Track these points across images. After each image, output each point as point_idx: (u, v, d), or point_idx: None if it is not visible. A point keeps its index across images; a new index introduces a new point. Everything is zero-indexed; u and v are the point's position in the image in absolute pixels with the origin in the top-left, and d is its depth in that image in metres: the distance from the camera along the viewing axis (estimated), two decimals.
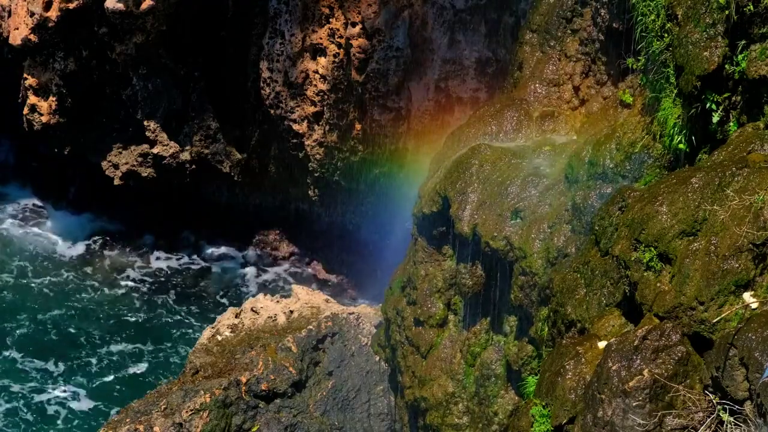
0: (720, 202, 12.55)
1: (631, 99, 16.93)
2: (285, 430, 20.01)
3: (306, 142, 26.35)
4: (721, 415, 11.43)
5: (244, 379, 19.95)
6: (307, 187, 27.66)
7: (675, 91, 14.62)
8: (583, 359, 13.28)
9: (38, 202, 30.60)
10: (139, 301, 27.85)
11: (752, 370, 11.11)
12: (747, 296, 11.97)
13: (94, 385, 25.18)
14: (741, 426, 11.19)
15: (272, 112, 26.53)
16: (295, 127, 26.28)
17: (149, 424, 19.16)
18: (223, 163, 27.74)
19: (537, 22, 19.32)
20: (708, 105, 13.89)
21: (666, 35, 14.94)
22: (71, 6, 25.63)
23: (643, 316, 12.81)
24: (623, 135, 16.15)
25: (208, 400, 19.45)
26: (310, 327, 21.00)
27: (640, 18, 15.65)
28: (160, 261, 29.14)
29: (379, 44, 24.08)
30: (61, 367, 25.56)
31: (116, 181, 27.90)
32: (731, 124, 13.88)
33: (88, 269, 28.72)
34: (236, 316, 21.93)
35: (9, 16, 26.74)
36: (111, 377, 25.44)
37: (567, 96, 18.81)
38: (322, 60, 25.32)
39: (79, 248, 29.32)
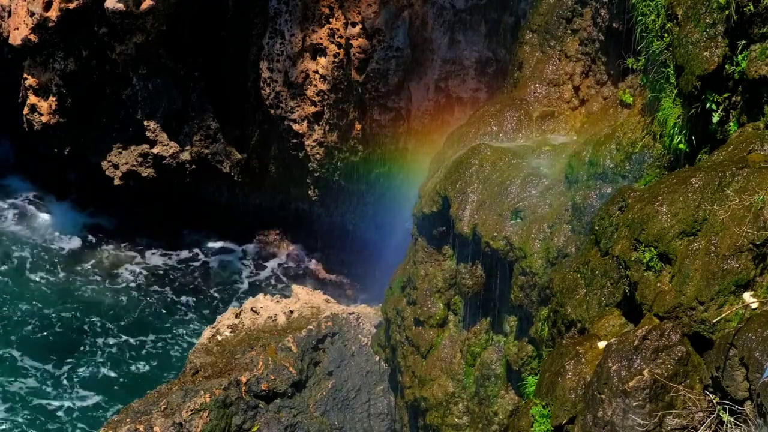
0: (720, 202, 12.55)
1: (631, 99, 16.93)
2: (285, 430, 20.01)
3: (306, 142, 26.35)
4: (721, 415, 11.43)
5: (244, 379, 19.95)
6: (307, 187, 27.67)
7: (675, 91, 14.61)
8: (583, 359, 13.28)
9: (38, 197, 30.62)
10: (138, 296, 27.87)
11: (752, 370, 11.11)
12: (747, 296, 11.97)
13: (93, 380, 25.21)
14: (741, 426, 11.19)
15: (272, 112, 26.53)
16: (295, 127, 26.28)
17: (149, 424, 19.16)
18: (223, 163, 27.74)
19: (537, 22, 19.32)
20: (708, 105, 13.89)
21: (666, 35, 14.94)
22: (71, 6, 25.63)
23: (643, 316, 12.81)
24: (623, 135, 16.15)
25: (208, 400, 19.45)
26: (310, 327, 21.00)
27: (640, 18, 15.65)
28: (159, 257, 29.15)
29: (379, 44, 24.08)
30: (61, 362, 25.58)
31: (116, 181, 27.91)
32: (731, 124, 13.88)
33: (87, 264, 28.73)
34: (236, 316, 21.94)
35: (9, 16, 26.75)
36: (111, 372, 25.46)
37: (567, 96, 18.81)
38: (322, 60, 25.32)
39: (78, 243, 29.34)
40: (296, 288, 23.03)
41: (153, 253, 29.24)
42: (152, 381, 24.91)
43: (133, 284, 28.24)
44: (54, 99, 26.98)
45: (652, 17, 15.28)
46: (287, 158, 27.49)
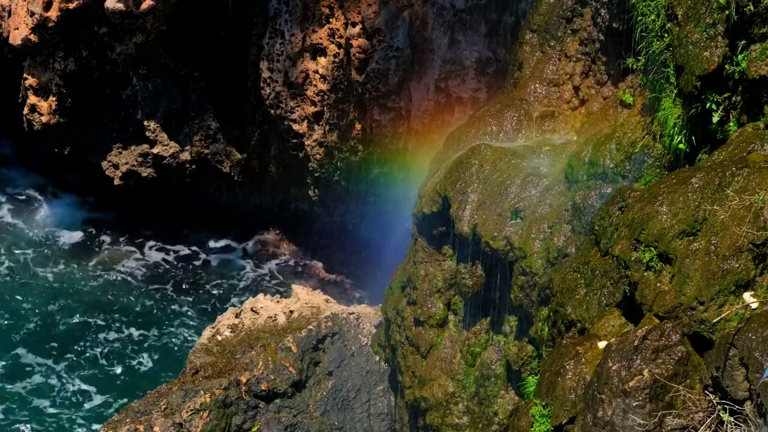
0: (720, 202, 12.55)
1: (631, 99, 16.93)
2: (285, 430, 20.01)
3: (306, 142, 26.35)
4: (721, 415, 11.43)
5: (244, 379, 19.95)
6: (307, 187, 27.67)
7: (675, 91, 14.61)
8: (583, 359, 13.28)
9: (38, 192, 30.64)
10: (138, 293, 27.88)
11: (752, 370, 11.11)
12: (747, 296, 11.97)
13: (93, 376, 25.23)
14: (741, 426, 11.19)
15: (272, 112, 26.53)
16: (295, 127, 26.29)
17: (149, 424, 19.16)
18: (223, 163, 27.74)
19: (537, 22, 19.32)
20: (708, 105, 13.89)
21: (666, 35, 14.94)
22: (71, 6, 25.63)
23: (643, 316, 12.81)
24: (623, 135, 16.15)
25: (208, 400, 19.45)
26: (310, 327, 21.00)
27: (640, 18, 15.65)
28: (159, 255, 29.15)
29: (379, 44, 24.08)
30: (60, 357, 25.61)
31: (116, 181, 27.92)
32: (731, 124, 13.88)
33: (87, 261, 28.75)
34: (236, 316, 21.94)
35: (9, 16, 26.75)
36: (111, 369, 25.48)
37: (567, 96, 18.81)
38: (322, 60, 25.32)
39: (78, 239, 29.35)
40: (296, 288, 23.03)
41: (153, 251, 29.25)
42: (152, 379, 24.97)
43: (132, 281, 28.25)
44: (54, 99, 26.98)
45: (652, 17, 15.28)
46: (287, 158, 27.49)
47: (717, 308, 12.09)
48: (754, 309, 11.79)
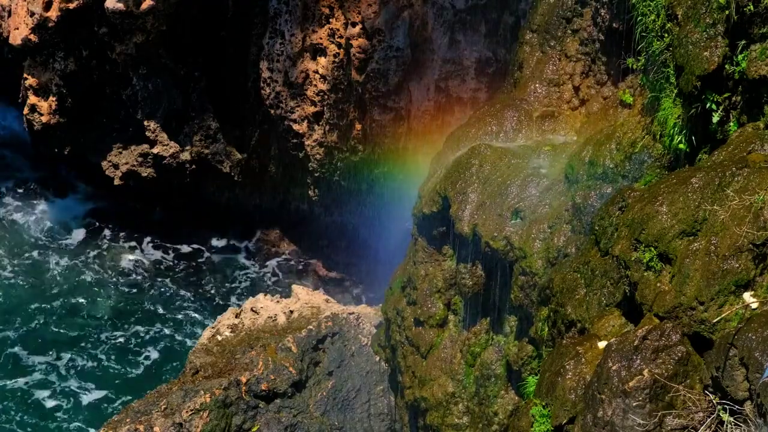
0: (720, 202, 12.55)
1: (631, 99, 16.93)
2: (285, 430, 20.01)
3: (306, 142, 26.35)
4: (721, 415, 11.43)
5: (244, 379, 19.95)
6: (307, 187, 27.67)
7: (675, 91, 14.62)
8: (583, 359, 13.28)
9: (40, 192, 30.66)
10: (137, 292, 27.91)
11: (752, 370, 11.11)
12: (747, 296, 11.97)
13: (93, 374, 25.29)
14: (741, 426, 11.19)
15: (272, 112, 26.53)
16: (295, 127, 26.29)
17: (149, 424, 19.16)
18: (223, 163, 27.74)
19: (537, 22, 19.32)
20: (708, 105, 13.90)
21: (666, 35, 14.94)
22: (71, 6, 25.63)
23: (643, 316, 12.81)
24: (623, 135, 16.16)
25: (208, 400, 19.45)
26: (310, 327, 21.00)
27: (640, 18, 15.66)
28: (160, 255, 29.18)
29: (379, 44, 24.08)
30: (61, 355, 25.64)
31: (116, 181, 27.93)
32: (731, 124, 13.88)
33: (88, 258, 28.75)
34: (236, 316, 21.95)
35: (9, 16, 26.75)
36: (111, 367, 25.51)
37: (567, 96, 18.81)
38: (322, 60, 25.32)
39: (79, 237, 29.38)
40: (296, 288, 23.03)
41: (153, 251, 29.27)
42: (152, 377, 24.99)
43: (132, 280, 28.26)
44: (54, 99, 26.98)
45: (652, 17, 15.28)
46: (287, 158, 27.49)
47: (717, 308, 12.09)
48: (754, 309, 11.79)
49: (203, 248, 29.55)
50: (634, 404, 11.86)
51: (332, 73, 25.16)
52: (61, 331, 26.46)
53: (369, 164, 26.12)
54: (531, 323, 16.75)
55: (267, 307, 22.05)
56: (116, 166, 27.83)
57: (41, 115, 27.08)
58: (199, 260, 29.16)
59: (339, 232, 28.36)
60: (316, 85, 25.53)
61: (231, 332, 21.47)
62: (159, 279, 28.40)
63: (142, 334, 26.53)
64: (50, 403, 24.42)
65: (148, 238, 29.43)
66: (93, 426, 23.65)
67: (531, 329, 16.62)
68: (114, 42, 26.05)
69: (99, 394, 24.76)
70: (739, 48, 13.61)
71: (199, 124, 27.24)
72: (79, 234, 29.45)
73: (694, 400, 11.68)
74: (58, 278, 28.02)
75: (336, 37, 24.89)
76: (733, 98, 13.83)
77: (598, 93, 18.34)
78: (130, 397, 23.40)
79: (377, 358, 20.99)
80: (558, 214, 16.82)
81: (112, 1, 24.90)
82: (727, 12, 13.65)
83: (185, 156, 27.45)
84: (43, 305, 27.14)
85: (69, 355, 25.70)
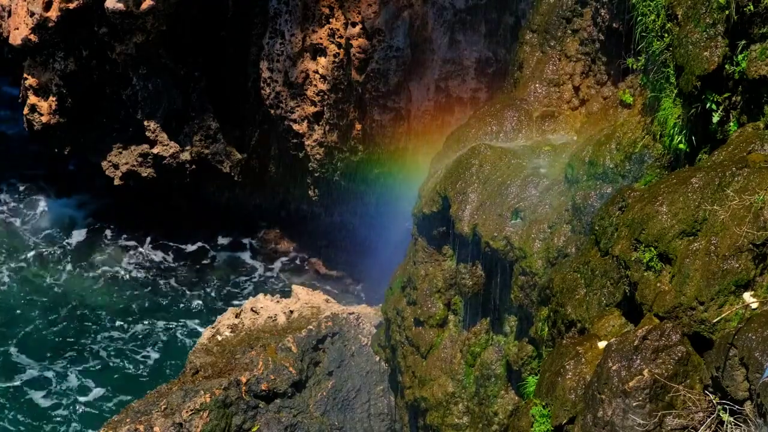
0: (720, 202, 12.55)
1: (631, 99, 16.93)
2: (285, 430, 20.01)
3: (306, 142, 26.35)
4: (721, 415, 11.43)
5: (244, 379, 19.95)
6: (307, 187, 27.67)
7: (675, 91, 14.61)
8: (583, 359, 13.28)
9: (40, 191, 30.67)
10: (137, 292, 27.92)
11: (752, 370, 11.11)
12: (747, 296, 11.97)
13: (93, 374, 25.29)
14: (741, 426, 11.18)
15: (272, 112, 26.53)
16: (295, 127, 26.28)
17: (149, 424, 19.16)
18: (223, 163, 27.74)
19: (537, 22, 19.32)
20: (708, 105, 13.89)
21: (666, 35, 14.94)
22: (71, 6, 25.63)
23: (643, 316, 12.81)
24: (623, 135, 16.16)
25: (208, 400, 19.45)
26: (310, 327, 21.00)
27: (640, 18, 15.66)
28: (160, 254, 29.19)
29: (379, 44, 24.08)
30: (61, 356, 25.65)
31: (116, 181, 27.93)
32: (731, 124, 13.88)
33: (88, 258, 28.77)
34: (236, 316, 21.94)
35: (9, 16, 26.75)
36: (111, 366, 25.54)
37: (567, 96, 18.81)
38: (322, 60, 25.32)
39: (80, 238, 29.38)
40: (296, 288, 23.03)
41: (153, 251, 29.28)
42: (152, 377, 24.99)
43: (132, 280, 28.26)
44: (54, 99, 26.98)
45: (652, 17, 15.28)
46: (287, 158, 27.49)
47: (717, 308, 12.09)
48: (754, 309, 11.79)
49: (203, 248, 29.56)
50: (634, 404, 11.86)
51: (332, 73, 25.16)
52: (61, 330, 26.47)
53: (369, 164, 26.12)
54: (531, 323, 16.75)
55: (267, 307, 22.05)
56: (116, 166, 27.83)
57: (41, 115, 27.08)
58: (200, 260, 29.17)
59: (339, 232, 28.37)
60: (316, 85, 25.53)
61: (231, 332, 21.48)
62: (159, 279, 28.41)
63: (142, 334, 26.54)
64: (50, 403, 24.43)
65: (149, 238, 29.44)
66: (92, 426, 23.65)
67: (531, 329, 16.62)
68: (114, 42, 26.05)
69: (99, 393, 24.77)
70: (739, 48, 13.61)
71: (199, 124, 27.24)
72: (79, 234, 29.47)
73: (694, 400, 11.68)
74: (58, 278, 28.04)
75: (336, 37, 24.89)
76: (733, 98, 13.83)
77: (598, 93, 18.34)
78: (130, 397, 23.39)
79: (377, 358, 20.99)
80: (558, 214, 16.82)
81: (112, 1, 24.90)
82: (727, 12, 13.65)
83: (185, 156, 27.45)
84: (43, 305, 27.15)
85: (69, 355, 25.72)
